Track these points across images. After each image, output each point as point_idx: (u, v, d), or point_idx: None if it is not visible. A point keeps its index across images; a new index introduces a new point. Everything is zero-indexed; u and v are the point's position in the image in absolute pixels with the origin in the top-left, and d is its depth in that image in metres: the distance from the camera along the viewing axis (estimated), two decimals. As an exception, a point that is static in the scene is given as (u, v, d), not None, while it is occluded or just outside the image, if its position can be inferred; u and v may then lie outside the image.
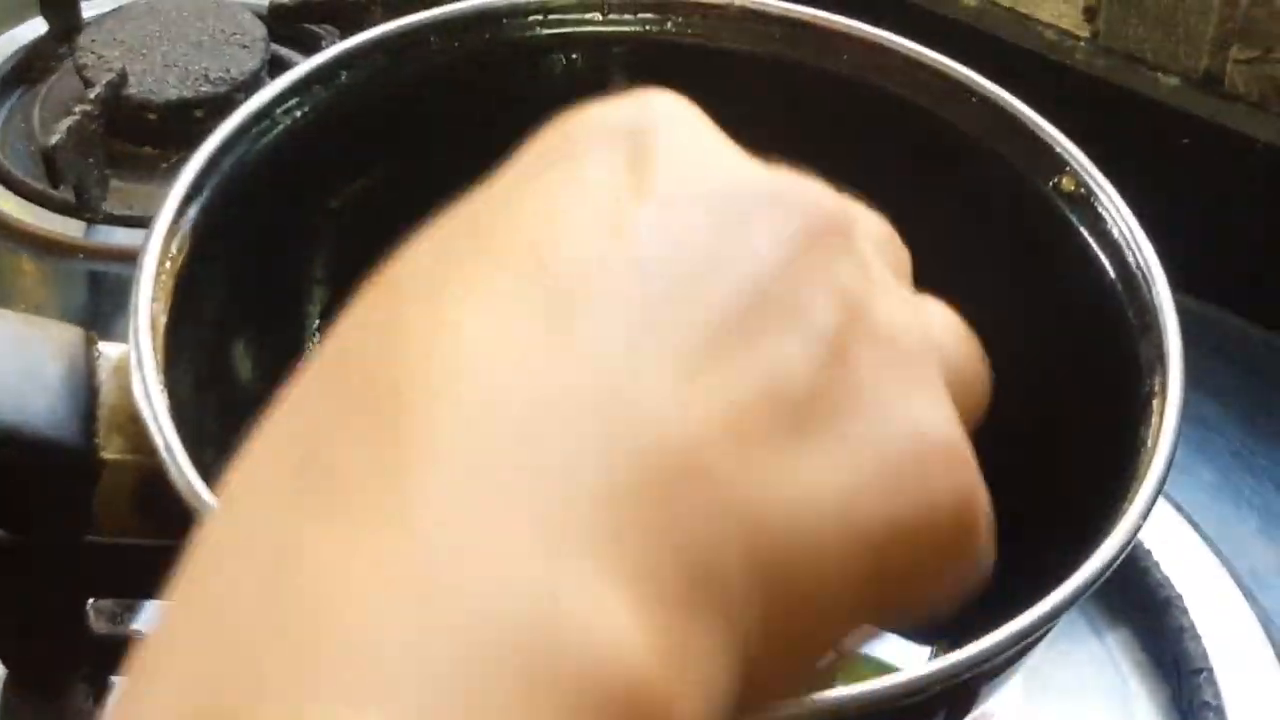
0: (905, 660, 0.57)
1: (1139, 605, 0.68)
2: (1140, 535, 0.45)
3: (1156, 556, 0.68)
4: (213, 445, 0.49)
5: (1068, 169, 0.54)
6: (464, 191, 0.34)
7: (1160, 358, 0.49)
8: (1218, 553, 0.70)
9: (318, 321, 0.57)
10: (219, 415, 0.51)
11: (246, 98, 0.55)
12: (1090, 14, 0.85)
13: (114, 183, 0.86)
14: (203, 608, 0.27)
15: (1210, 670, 0.65)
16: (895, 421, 0.31)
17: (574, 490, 0.27)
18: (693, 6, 0.58)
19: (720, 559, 0.28)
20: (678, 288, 0.30)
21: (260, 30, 0.91)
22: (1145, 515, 0.45)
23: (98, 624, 0.57)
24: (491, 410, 0.27)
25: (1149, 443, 0.47)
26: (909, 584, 0.32)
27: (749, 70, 0.58)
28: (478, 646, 0.25)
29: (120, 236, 0.84)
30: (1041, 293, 0.55)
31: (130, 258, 0.50)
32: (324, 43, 0.93)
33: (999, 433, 0.36)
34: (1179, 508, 0.71)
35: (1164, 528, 0.69)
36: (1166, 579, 0.68)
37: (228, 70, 0.88)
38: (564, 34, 0.58)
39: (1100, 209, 0.53)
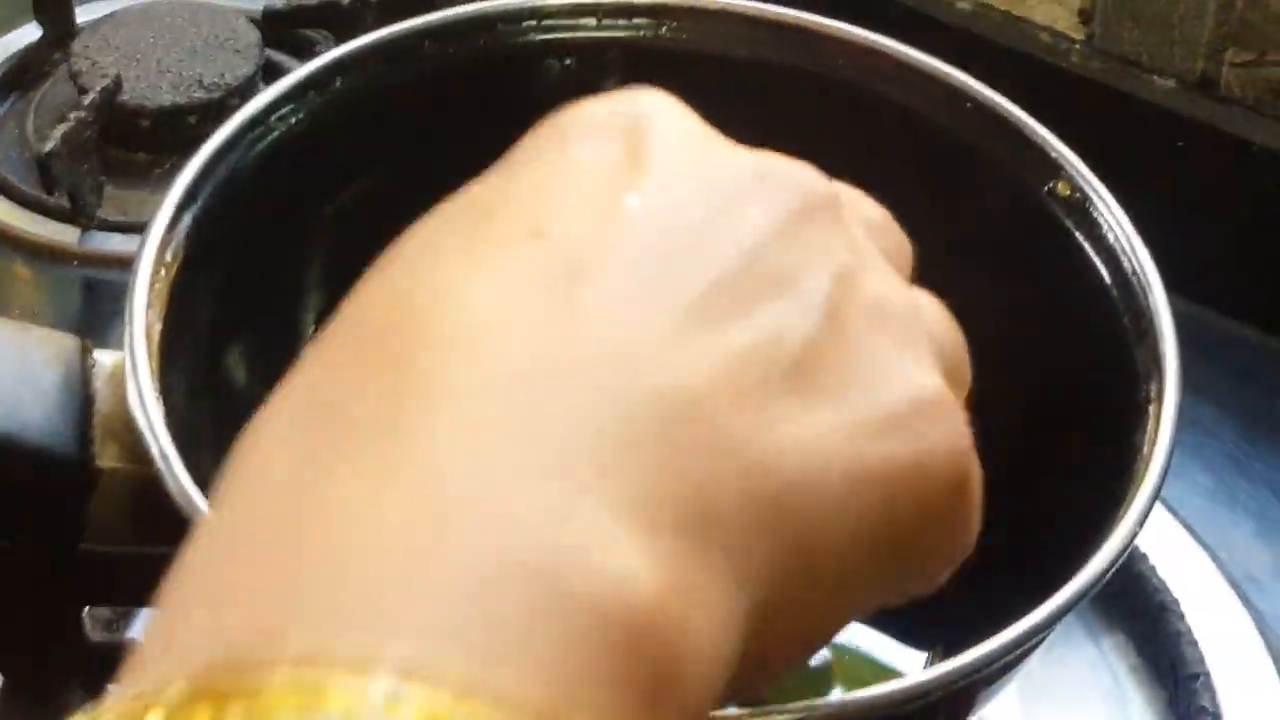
0: (903, 663, 0.57)
1: (1135, 610, 0.68)
2: (1136, 540, 0.45)
3: (1152, 561, 0.68)
4: (208, 452, 0.49)
5: (1063, 174, 0.54)
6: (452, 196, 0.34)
7: (1157, 363, 0.49)
8: (1214, 557, 0.70)
9: (313, 328, 0.57)
10: (214, 422, 0.51)
11: (241, 103, 0.55)
12: (1085, 17, 0.85)
13: (108, 189, 0.86)
14: (224, 544, 0.28)
15: (1207, 675, 0.65)
16: (889, 377, 0.32)
17: (577, 428, 0.28)
18: (687, 11, 0.58)
19: (720, 497, 0.29)
20: (673, 258, 0.31)
21: (254, 36, 0.91)
22: (1142, 521, 0.45)
23: (93, 632, 0.57)
24: (497, 361, 0.29)
25: (1145, 448, 0.47)
26: (908, 538, 0.32)
27: (743, 75, 0.58)
28: (488, 575, 0.26)
29: (115, 243, 0.84)
30: (1037, 298, 0.55)
31: (125, 264, 0.50)
32: (318, 48, 0.93)
33: (994, 438, 0.36)
34: (1175, 512, 0.71)
35: (1160, 532, 0.69)
36: (1162, 583, 0.68)
37: (222, 76, 0.88)
38: (558, 39, 0.58)
39: (1096, 214, 0.53)
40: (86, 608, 0.56)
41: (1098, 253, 0.52)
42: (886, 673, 0.57)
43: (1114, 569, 0.44)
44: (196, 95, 0.87)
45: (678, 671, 0.27)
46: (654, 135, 0.33)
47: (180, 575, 0.28)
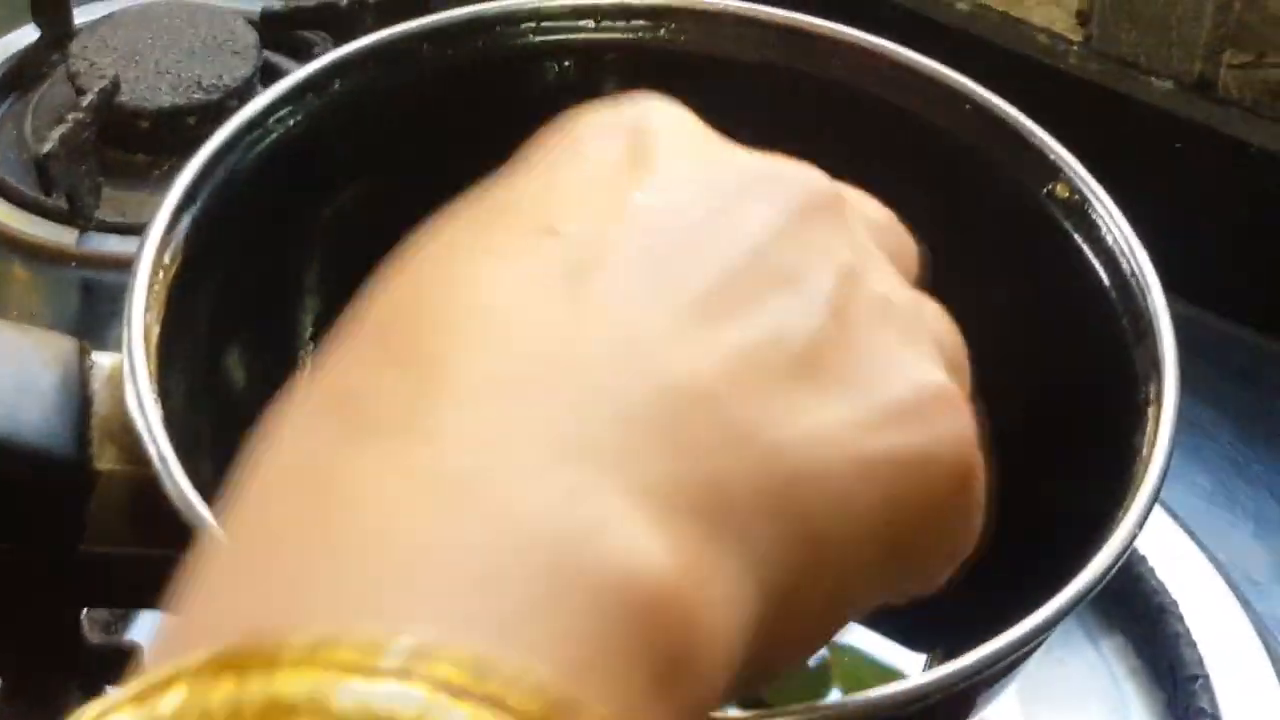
0: (902, 665, 0.57)
1: (1134, 612, 0.68)
2: (1135, 542, 0.45)
3: (1151, 563, 0.68)
4: (207, 455, 0.49)
5: (1061, 176, 0.54)
6: (458, 198, 0.34)
7: (1156, 365, 0.48)
8: (1213, 559, 0.70)
9: (311, 330, 0.57)
10: (213, 425, 0.51)
11: (239, 105, 0.55)
12: (1083, 18, 0.85)
13: (107, 190, 0.86)
14: (245, 531, 0.29)
15: (1206, 677, 0.65)
16: (893, 371, 0.32)
17: (589, 418, 0.28)
18: (685, 13, 0.58)
19: (731, 485, 0.29)
20: (679, 255, 0.31)
21: (252, 37, 0.91)
22: (1141, 523, 0.45)
23: (92, 634, 0.57)
24: (511, 352, 0.29)
25: (1144, 450, 0.47)
26: (913, 533, 0.32)
27: (742, 77, 0.58)
28: (503, 555, 0.26)
29: (113, 244, 0.84)
30: (1035, 300, 0.55)
31: (123, 265, 0.50)
32: (316, 49, 0.93)
33: (993, 440, 0.36)
34: (1173, 514, 0.71)
35: (1159, 534, 0.69)
36: (1161, 585, 0.68)
37: (220, 77, 0.88)
38: (556, 41, 0.58)
39: (1094, 216, 0.53)
40: (84, 609, 0.56)
41: (1096, 254, 0.52)
42: (885, 674, 0.57)
43: (1114, 571, 0.44)
44: (195, 96, 0.87)
45: (691, 653, 0.28)
46: (658, 138, 0.34)
47: (201, 563, 0.28)
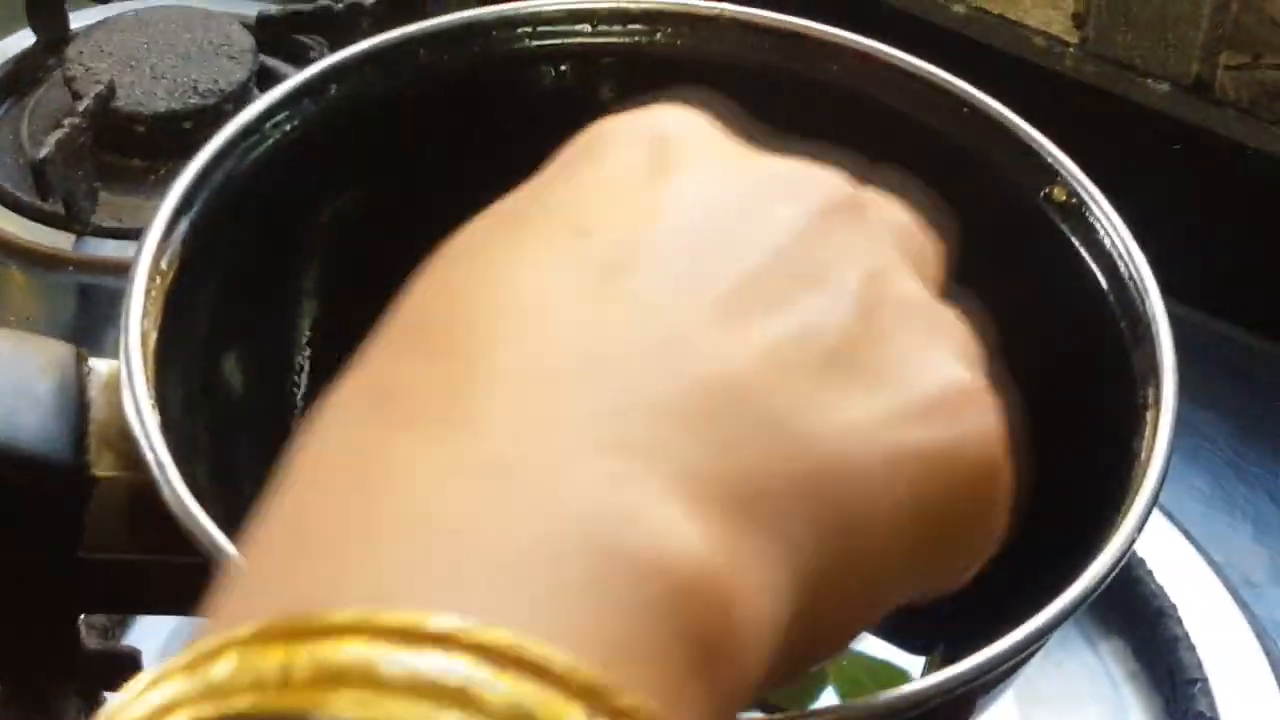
0: (902, 666, 0.57)
1: (1132, 615, 0.67)
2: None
3: (1150, 566, 0.68)
4: (204, 460, 0.49)
5: (1059, 179, 0.54)
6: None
7: (1154, 369, 0.48)
8: (1211, 562, 0.70)
9: (308, 335, 0.57)
10: (210, 430, 0.51)
11: (235, 109, 0.55)
12: (1079, 20, 0.85)
13: (103, 195, 0.86)
14: (292, 516, 0.29)
15: (1205, 680, 0.65)
16: (922, 367, 0.33)
17: (625, 405, 0.29)
18: (682, 18, 0.58)
19: (766, 477, 0.30)
20: (708, 254, 0.32)
21: (248, 41, 0.91)
22: (1140, 528, 0.45)
23: (89, 639, 0.57)
24: (547, 343, 0.30)
25: (1143, 454, 0.47)
26: (942, 527, 0.33)
27: (738, 81, 0.58)
28: (542, 538, 0.27)
29: (110, 249, 0.84)
30: (1033, 304, 0.55)
31: (120, 270, 0.50)
32: (312, 54, 0.93)
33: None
34: (1172, 517, 0.71)
35: (1157, 537, 0.69)
36: (1160, 589, 0.68)
37: (216, 82, 0.88)
38: (553, 46, 0.58)
39: (1092, 219, 0.53)
40: (82, 615, 0.56)
41: (1094, 257, 0.52)
42: (884, 675, 0.57)
43: (1113, 575, 0.43)
44: (191, 101, 0.87)
45: (727, 637, 0.28)
46: (681, 143, 0.35)
47: (249, 546, 0.29)
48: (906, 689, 0.41)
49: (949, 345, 0.34)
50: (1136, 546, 0.45)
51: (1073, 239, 0.53)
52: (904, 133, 0.56)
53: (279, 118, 0.54)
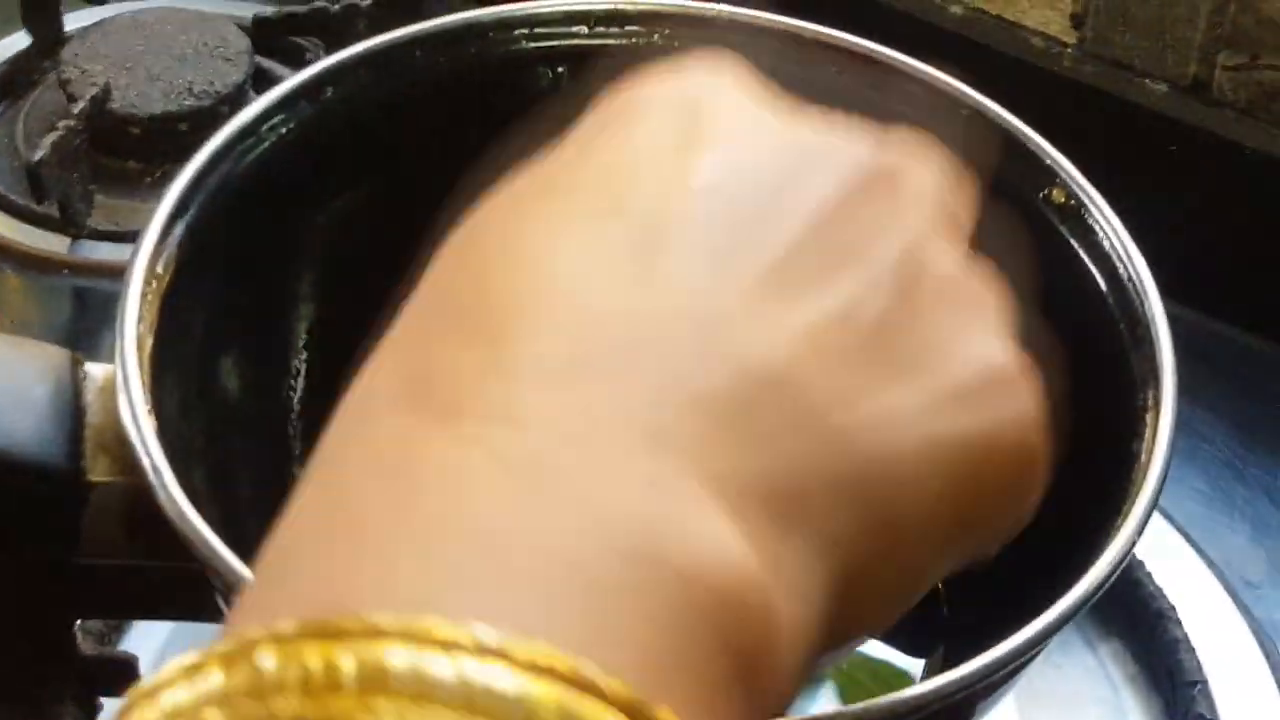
0: (902, 667, 0.57)
1: (1132, 617, 0.67)
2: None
3: (1149, 568, 0.68)
4: (200, 465, 0.49)
5: (1057, 180, 0.53)
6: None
7: (1153, 372, 0.48)
8: (1210, 563, 0.70)
9: (305, 339, 0.57)
10: (206, 434, 0.51)
11: (231, 111, 0.54)
12: (1077, 21, 0.85)
13: (98, 197, 0.86)
14: (326, 504, 0.29)
15: (1204, 682, 0.65)
16: (959, 349, 0.33)
17: (665, 400, 0.29)
18: (679, 19, 0.58)
19: (805, 473, 0.30)
20: (744, 228, 0.32)
21: (244, 43, 0.91)
22: (1140, 530, 0.44)
23: (85, 645, 0.57)
24: (583, 327, 0.30)
25: (1142, 457, 0.47)
26: (977, 510, 0.33)
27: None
28: (582, 543, 0.27)
29: (105, 251, 0.84)
30: (1031, 305, 0.55)
31: (115, 273, 0.50)
32: (308, 55, 0.93)
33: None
34: (1170, 518, 0.71)
35: (1156, 538, 0.69)
36: (1159, 590, 0.68)
37: (212, 84, 0.88)
38: (551, 47, 0.58)
39: (1090, 220, 0.53)
40: (78, 620, 0.56)
41: (1093, 259, 0.52)
42: (884, 676, 0.57)
43: (1113, 578, 0.43)
44: (187, 103, 0.87)
45: (767, 648, 0.28)
46: (709, 111, 0.34)
47: (281, 538, 0.29)
48: (906, 693, 0.41)
49: (985, 320, 0.34)
50: (1135, 548, 0.45)
51: (1071, 240, 0.53)
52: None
53: (275, 120, 0.54)
